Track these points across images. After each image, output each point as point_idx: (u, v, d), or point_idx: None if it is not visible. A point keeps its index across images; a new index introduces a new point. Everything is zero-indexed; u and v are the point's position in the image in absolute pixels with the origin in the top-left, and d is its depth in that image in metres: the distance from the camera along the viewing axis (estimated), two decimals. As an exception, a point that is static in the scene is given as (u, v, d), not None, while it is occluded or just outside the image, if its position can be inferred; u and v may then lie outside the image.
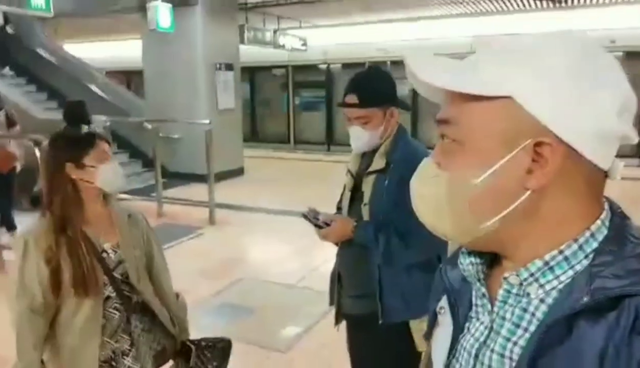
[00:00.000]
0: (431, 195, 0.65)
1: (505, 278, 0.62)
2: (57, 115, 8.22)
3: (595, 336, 0.52)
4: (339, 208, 2.05)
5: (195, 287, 4.22)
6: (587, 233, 0.59)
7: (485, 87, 0.58)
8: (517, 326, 0.60)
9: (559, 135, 0.56)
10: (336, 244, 1.93)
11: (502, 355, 0.60)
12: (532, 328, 0.58)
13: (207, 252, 5.22)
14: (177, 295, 1.96)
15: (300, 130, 13.03)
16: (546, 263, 0.59)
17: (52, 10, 5.86)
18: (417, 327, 1.73)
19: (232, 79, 9.05)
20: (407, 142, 1.84)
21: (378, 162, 1.80)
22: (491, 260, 0.67)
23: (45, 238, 1.61)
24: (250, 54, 10.12)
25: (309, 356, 3.24)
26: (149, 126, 7.09)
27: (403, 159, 1.72)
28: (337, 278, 1.98)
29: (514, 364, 0.58)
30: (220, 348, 1.92)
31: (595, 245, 0.58)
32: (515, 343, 0.59)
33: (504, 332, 0.61)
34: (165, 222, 6.23)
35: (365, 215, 1.81)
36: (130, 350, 1.76)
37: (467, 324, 0.68)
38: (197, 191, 6.49)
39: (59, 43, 9.95)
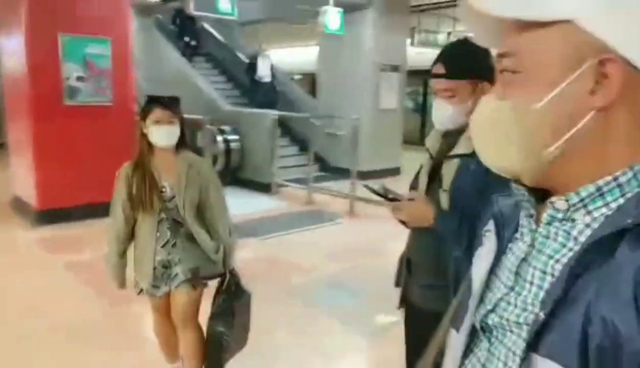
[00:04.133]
0: (493, 127, 0.63)
1: (551, 203, 0.61)
2: (240, 108, 9.37)
3: (637, 259, 0.50)
4: (412, 188, 1.85)
5: (319, 265, 4.62)
6: None
7: (543, 12, 0.57)
8: (563, 245, 0.59)
9: (623, 54, 0.55)
10: (404, 225, 1.79)
11: (544, 272, 0.60)
12: (576, 248, 0.57)
13: (339, 238, 5.56)
14: (230, 232, 2.38)
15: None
16: (598, 188, 0.57)
17: (236, 14, 6.79)
18: None
19: (396, 80, 9.22)
20: None
21: (464, 145, 1.57)
22: (543, 197, 0.67)
23: (128, 170, 2.25)
24: (426, 58, 10.11)
25: (394, 343, 3.25)
26: (317, 123, 7.73)
27: None
28: (406, 264, 1.85)
29: (554, 280, 0.58)
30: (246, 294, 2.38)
31: None
32: (557, 261, 0.59)
33: (547, 250, 0.61)
34: (311, 208, 6.79)
35: (444, 202, 1.62)
36: (179, 262, 2.28)
37: (510, 245, 0.68)
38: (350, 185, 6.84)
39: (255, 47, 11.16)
